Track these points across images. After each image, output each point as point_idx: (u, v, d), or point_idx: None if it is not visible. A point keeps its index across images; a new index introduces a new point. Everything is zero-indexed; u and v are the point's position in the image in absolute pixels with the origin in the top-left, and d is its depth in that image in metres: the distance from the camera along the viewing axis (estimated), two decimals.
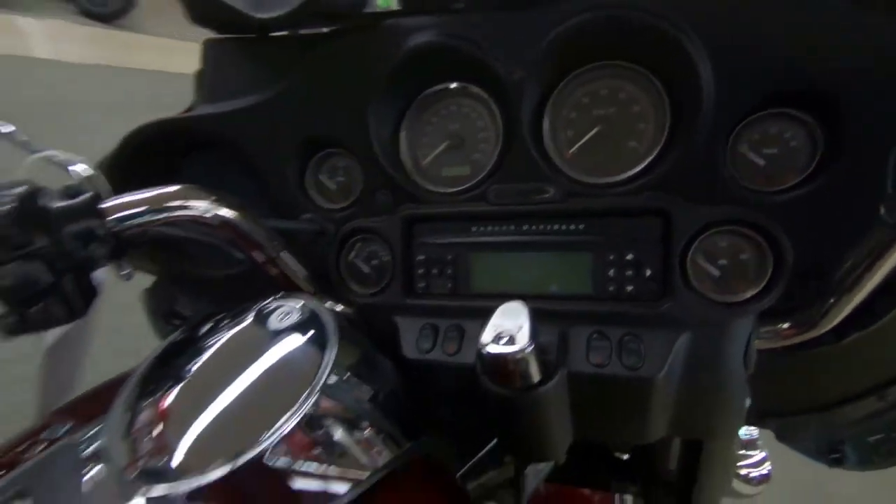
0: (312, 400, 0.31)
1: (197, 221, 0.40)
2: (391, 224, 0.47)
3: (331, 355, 0.34)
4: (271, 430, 0.28)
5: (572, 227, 0.43)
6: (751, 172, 0.41)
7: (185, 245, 0.54)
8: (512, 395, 0.36)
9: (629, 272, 0.42)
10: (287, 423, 0.30)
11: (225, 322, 0.36)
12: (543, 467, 0.54)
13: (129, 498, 0.27)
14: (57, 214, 0.33)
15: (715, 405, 0.39)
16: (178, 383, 0.31)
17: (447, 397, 0.44)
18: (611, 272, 0.42)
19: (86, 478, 0.28)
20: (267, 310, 0.37)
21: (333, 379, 0.33)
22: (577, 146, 0.45)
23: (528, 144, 0.44)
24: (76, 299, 0.35)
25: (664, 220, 0.41)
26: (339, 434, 0.33)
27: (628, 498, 0.74)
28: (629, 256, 0.42)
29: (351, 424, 0.34)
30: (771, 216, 0.39)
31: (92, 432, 0.31)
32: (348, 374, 0.35)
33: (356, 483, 0.33)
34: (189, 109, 0.52)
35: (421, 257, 0.47)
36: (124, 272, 0.39)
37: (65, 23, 4.56)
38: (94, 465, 0.29)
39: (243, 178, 0.49)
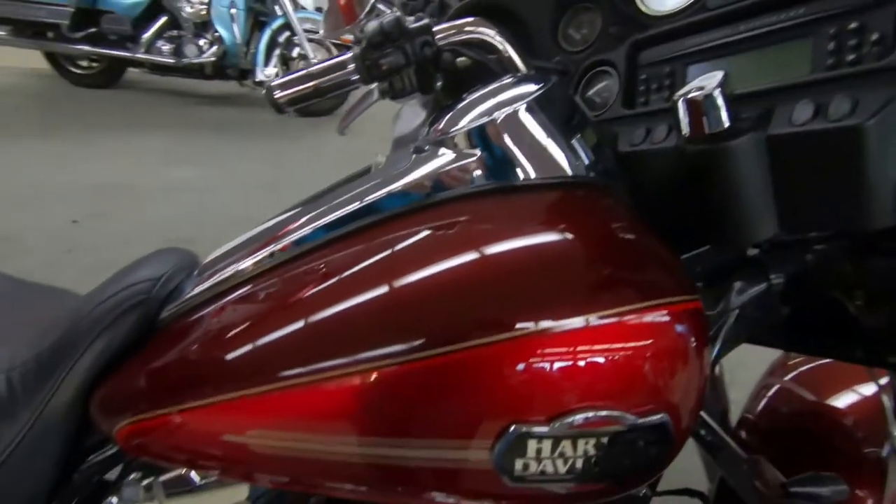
0: (524, 104, 0.44)
1: (484, 46, 0.54)
2: (619, 52, 0.52)
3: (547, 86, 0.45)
4: (501, 110, 0.44)
5: (791, 13, 0.41)
6: None
7: (464, 78, 0.65)
8: (705, 148, 0.37)
9: (852, 41, 0.38)
10: (499, 112, 0.43)
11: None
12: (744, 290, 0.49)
13: (432, 143, 0.46)
14: (413, 28, 0.51)
15: None
16: (448, 111, 0.48)
17: (653, 189, 0.46)
18: (830, 46, 0.38)
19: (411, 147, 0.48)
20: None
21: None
22: None
23: None
24: (417, 80, 0.53)
25: None
26: (552, 135, 0.44)
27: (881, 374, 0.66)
28: (853, 25, 0.38)
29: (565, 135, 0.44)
30: None
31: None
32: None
33: (561, 177, 0.43)
34: None
35: (643, 76, 0.51)
36: (438, 83, 0.56)
37: None
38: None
39: (519, 37, 0.58)
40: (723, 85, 0.36)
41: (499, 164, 0.43)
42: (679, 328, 0.40)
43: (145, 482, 0.49)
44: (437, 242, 0.41)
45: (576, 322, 0.38)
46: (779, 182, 0.38)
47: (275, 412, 0.41)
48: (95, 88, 4.23)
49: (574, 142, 0.45)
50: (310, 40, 4.13)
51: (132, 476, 0.50)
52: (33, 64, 4.22)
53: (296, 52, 4.18)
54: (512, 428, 0.38)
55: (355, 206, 0.44)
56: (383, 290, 0.40)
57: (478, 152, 0.44)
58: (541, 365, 0.38)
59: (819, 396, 0.68)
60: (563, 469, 0.40)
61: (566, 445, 0.39)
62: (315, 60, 4.26)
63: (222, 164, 3.29)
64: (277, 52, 4.13)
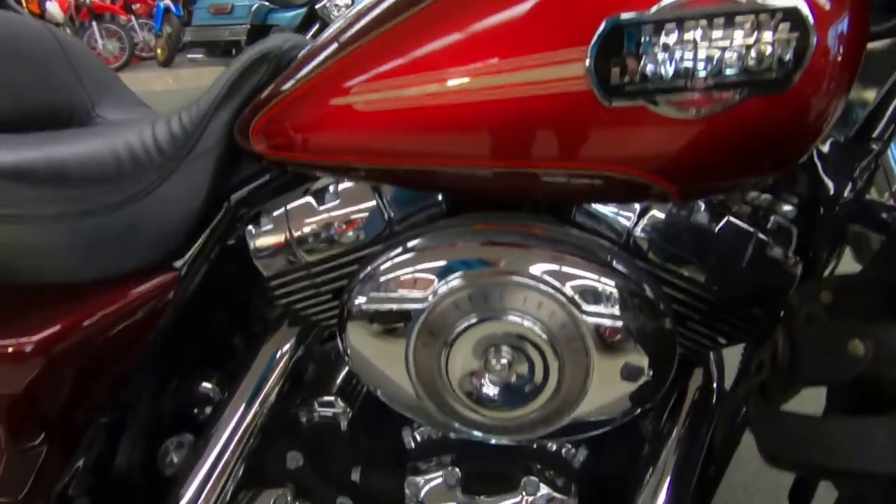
0: None
1: None
2: None
3: None
4: None
5: None
6: None
7: None
8: None
9: None
10: None
11: None
12: None
13: None
14: None
15: None
16: None
17: None
18: None
19: None
20: None
21: None
22: None
23: None
24: None
25: None
26: None
27: None
28: None
29: None
30: None
31: None
32: None
33: None
34: None
35: None
36: None
37: None
38: None
39: None
40: None
41: None
42: None
43: (277, 212, 0.56)
44: None
45: None
46: None
47: (375, 58, 0.42)
48: None
49: None
50: None
51: (268, 210, 0.57)
52: None
53: None
54: (604, 22, 0.33)
55: None
56: None
57: None
58: None
59: None
60: (668, 69, 0.33)
61: (670, 32, 0.32)
62: None
63: None
64: None
